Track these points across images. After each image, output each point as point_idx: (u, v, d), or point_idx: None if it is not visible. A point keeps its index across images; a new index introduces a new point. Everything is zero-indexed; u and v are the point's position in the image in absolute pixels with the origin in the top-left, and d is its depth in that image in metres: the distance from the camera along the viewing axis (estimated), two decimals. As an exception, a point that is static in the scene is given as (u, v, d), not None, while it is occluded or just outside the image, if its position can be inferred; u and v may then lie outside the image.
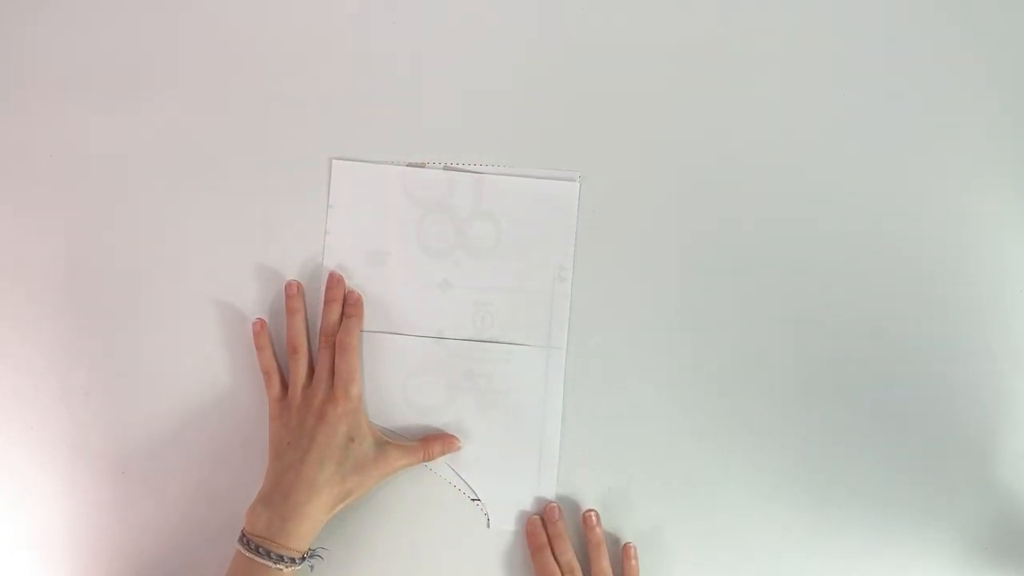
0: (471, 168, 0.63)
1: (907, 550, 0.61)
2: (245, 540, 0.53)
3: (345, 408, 0.56)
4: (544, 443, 0.61)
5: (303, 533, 0.53)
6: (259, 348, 0.60)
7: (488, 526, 0.61)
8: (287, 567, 0.53)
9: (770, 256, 0.63)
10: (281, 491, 0.54)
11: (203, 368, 0.62)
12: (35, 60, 0.63)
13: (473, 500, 0.61)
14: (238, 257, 0.62)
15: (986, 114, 0.64)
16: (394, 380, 0.62)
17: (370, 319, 0.62)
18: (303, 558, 0.54)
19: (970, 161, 0.64)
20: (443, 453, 0.60)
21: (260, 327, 0.60)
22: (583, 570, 0.58)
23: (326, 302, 0.60)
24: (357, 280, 0.62)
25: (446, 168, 0.63)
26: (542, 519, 0.60)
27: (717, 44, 0.64)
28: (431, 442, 0.60)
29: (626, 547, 0.60)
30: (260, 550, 0.52)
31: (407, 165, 0.63)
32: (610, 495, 0.61)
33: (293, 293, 0.60)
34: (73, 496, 0.61)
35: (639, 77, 0.63)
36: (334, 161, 0.62)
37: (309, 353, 0.60)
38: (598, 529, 0.59)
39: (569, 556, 0.58)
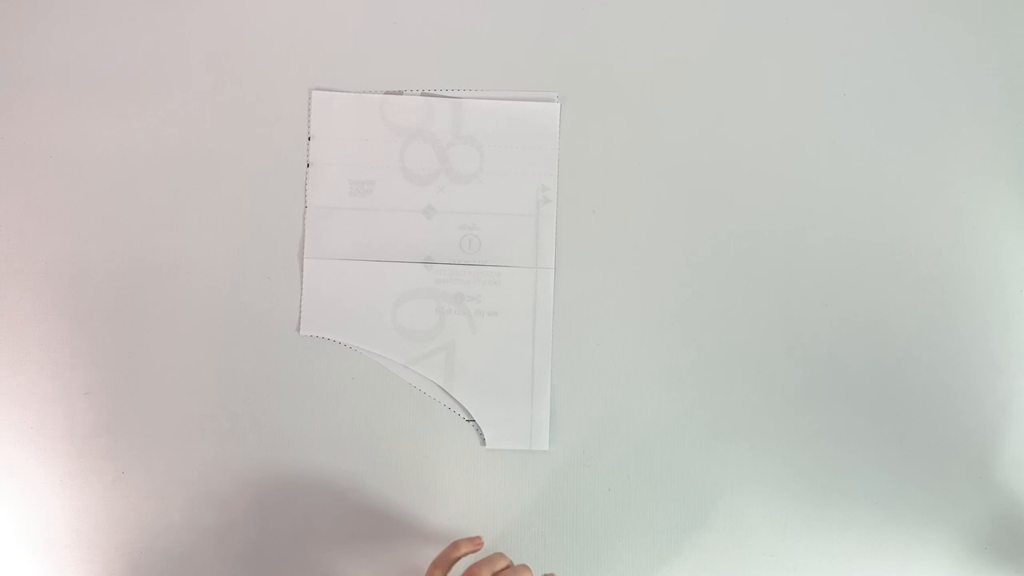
0: (449, 93, 0.63)
1: (907, 550, 0.61)
2: None
3: None
4: (536, 363, 0.62)
5: None
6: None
7: (483, 444, 0.61)
8: None
9: (766, 250, 0.63)
10: None
11: (203, 367, 0.62)
12: (35, 61, 0.63)
13: (468, 421, 0.62)
14: (239, 256, 0.62)
15: (986, 115, 0.64)
16: (384, 307, 0.62)
17: (358, 248, 0.62)
18: None
19: (970, 162, 0.64)
20: (470, 551, 0.55)
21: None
22: None
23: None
24: (343, 210, 0.63)
25: (424, 95, 0.63)
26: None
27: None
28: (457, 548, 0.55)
29: None
30: None
31: (385, 93, 0.63)
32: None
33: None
34: (73, 496, 0.61)
35: None
36: (313, 92, 0.63)
37: None
38: None
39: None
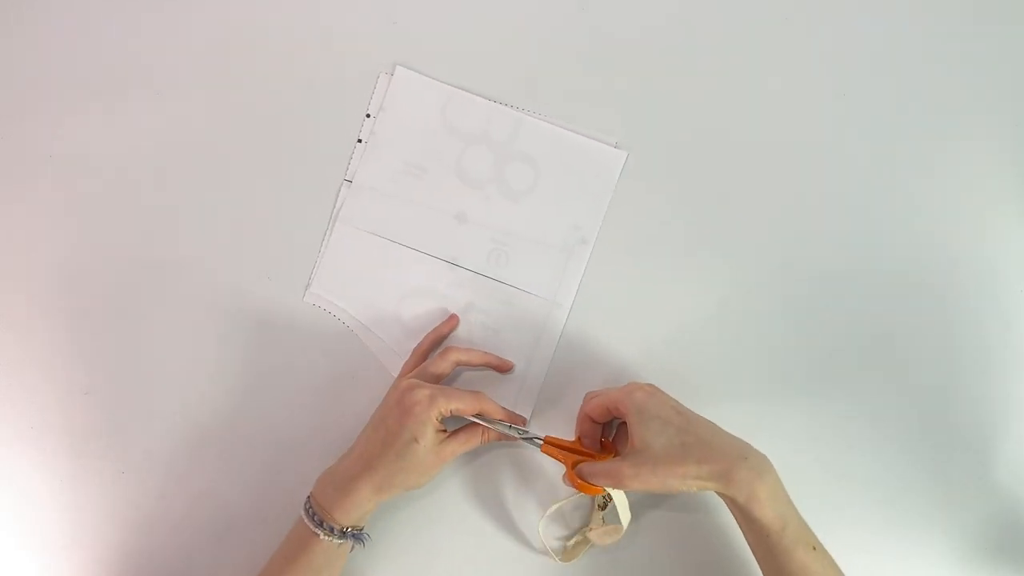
0: (518, 106, 0.63)
1: (907, 550, 0.61)
2: (307, 501, 0.55)
3: (421, 409, 0.54)
4: (523, 391, 0.62)
5: (347, 507, 0.53)
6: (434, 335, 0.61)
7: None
8: (325, 535, 0.53)
9: (774, 258, 0.63)
10: (345, 463, 0.55)
11: (203, 368, 0.62)
12: (36, 61, 0.63)
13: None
14: (239, 257, 0.63)
15: (986, 114, 0.64)
16: (393, 291, 0.62)
17: (391, 227, 0.63)
18: (343, 533, 0.53)
19: (970, 161, 0.64)
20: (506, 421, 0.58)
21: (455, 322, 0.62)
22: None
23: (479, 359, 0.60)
24: (389, 187, 0.63)
25: (496, 102, 0.63)
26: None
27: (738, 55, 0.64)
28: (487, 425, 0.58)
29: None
30: (311, 513, 0.53)
31: (452, 91, 0.63)
32: None
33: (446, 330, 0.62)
34: (73, 496, 0.60)
35: (696, 66, 0.64)
36: (381, 75, 0.63)
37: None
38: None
39: None
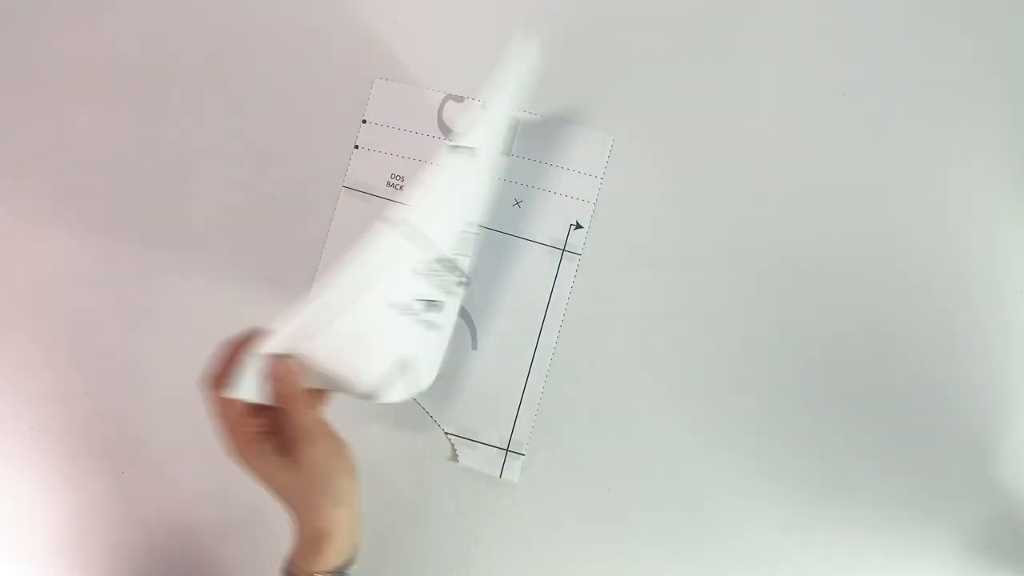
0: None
1: (906, 550, 0.61)
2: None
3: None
4: (528, 397, 0.61)
5: (321, 547, 0.48)
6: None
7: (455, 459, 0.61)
8: None
9: (771, 254, 0.63)
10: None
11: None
12: (36, 60, 0.63)
13: (447, 434, 0.61)
14: (240, 257, 0.63)
15: (986, 114, 0.64)
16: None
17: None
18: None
19: (970, 161, 0.64)
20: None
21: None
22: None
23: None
24: (375, 198, 0.63)
25: (479, 101, 0.63)
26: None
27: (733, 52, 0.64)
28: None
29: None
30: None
31: (447, 97, 0.64)
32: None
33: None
34: (73, 496, 0.60)
35: (680, 54, 0.64)
36: (376, 80, 0.63)
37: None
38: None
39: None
